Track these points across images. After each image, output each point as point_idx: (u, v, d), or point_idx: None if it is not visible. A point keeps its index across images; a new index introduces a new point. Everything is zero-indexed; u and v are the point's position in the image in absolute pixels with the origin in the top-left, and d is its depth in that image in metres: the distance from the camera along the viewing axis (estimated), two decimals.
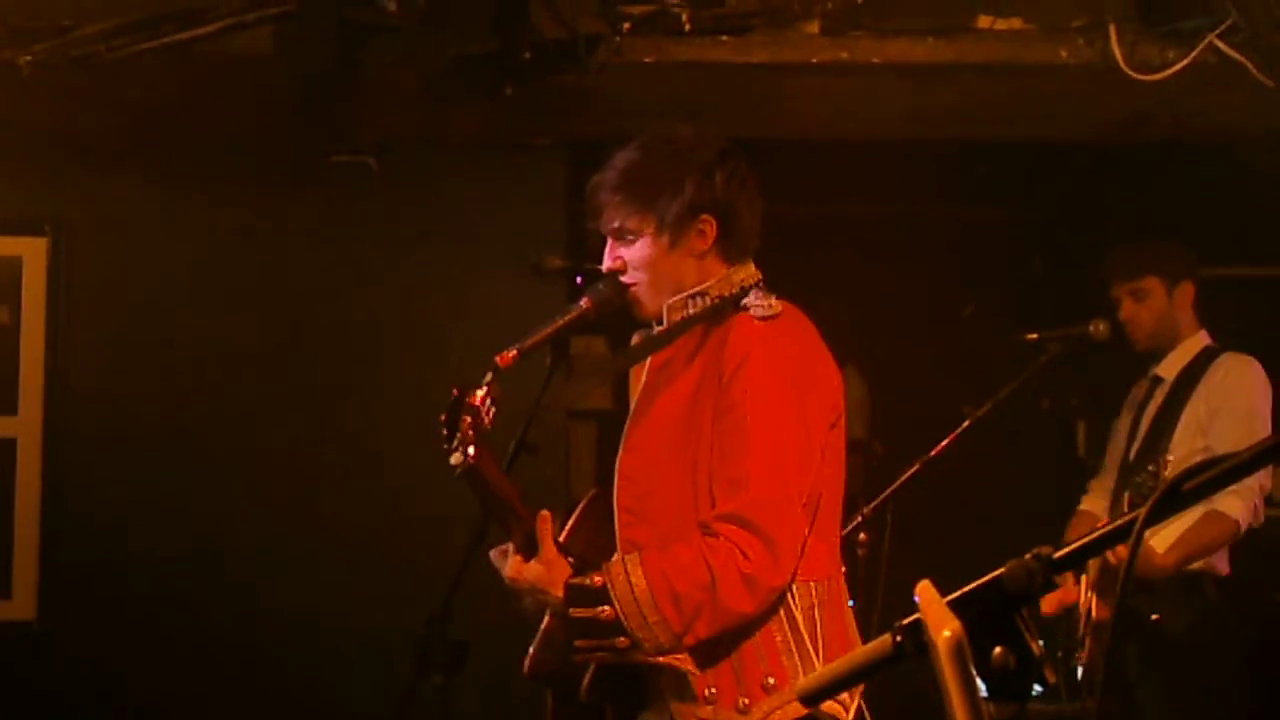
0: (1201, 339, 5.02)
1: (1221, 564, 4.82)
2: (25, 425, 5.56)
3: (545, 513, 2.98)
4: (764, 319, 3.04)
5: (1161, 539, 4.65)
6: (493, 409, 2.96)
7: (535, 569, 2.96)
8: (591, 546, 3.05)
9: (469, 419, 2.93)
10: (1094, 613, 4.80)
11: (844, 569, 3.20)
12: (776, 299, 3.09)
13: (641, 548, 2.97)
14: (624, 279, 3.14)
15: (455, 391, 2.99)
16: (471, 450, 2.90)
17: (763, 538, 2.87)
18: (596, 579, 2.92)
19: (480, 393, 2.96)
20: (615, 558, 2.97)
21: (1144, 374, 5.12)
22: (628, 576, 2.90)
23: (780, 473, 2.94)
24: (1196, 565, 4.74)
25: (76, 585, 5.47)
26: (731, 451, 2.95)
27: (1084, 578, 4.88)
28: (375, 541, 5.49)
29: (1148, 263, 5.02)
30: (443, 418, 2.99)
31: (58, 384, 5.55)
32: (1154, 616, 4.72)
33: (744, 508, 2.89)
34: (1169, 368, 5.00)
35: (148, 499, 5.50)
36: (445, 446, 2.96)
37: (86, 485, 5.50)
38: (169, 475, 5.52)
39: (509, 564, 3.01)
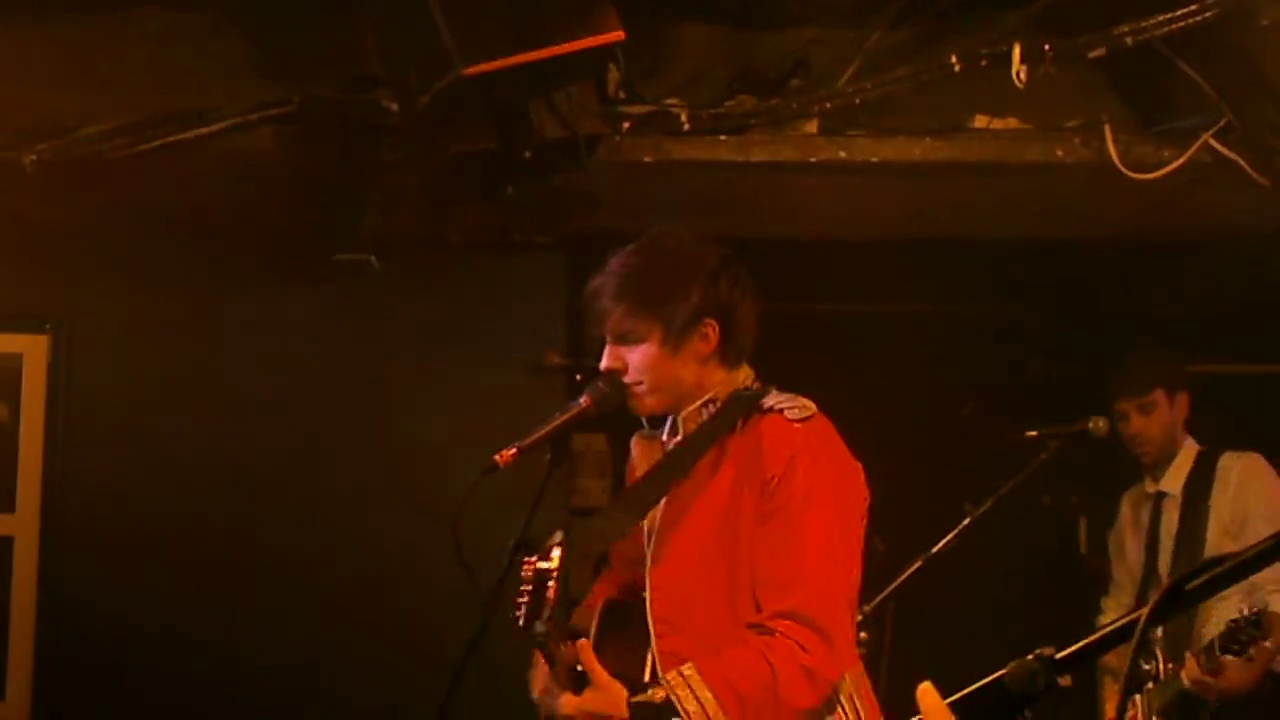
0: (1191, 446, 4.99)
1: None
2: (22, 523, 5.54)
3: (584, 641, 2.98)
4: (802, 420, 3.06)
5: None
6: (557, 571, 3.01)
7: (593, 698, 2.93)
8: (621, 660, 3.03)
9: (554, 586, 2.97)
10: None
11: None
12: (806, 399, 3.12)
13: (691, 658, 2.94)
14: (625, 379, 3.14)
15: (532, 563, 3.03)
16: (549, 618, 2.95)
17: (820, 632, 2.91)
18: (658, 693, 2.89)
19: (556, 556, 3.00)
20: (671, 671, 2.93)
21: (1142, 492, 5.08)
22: (689, 685, 2.87)
23: (832, 569, 2.99)
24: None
25: (72, 686, 5.42)
26: (783, 551, 2.97)
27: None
28: (375, 643, 5.44)
29: (1155, 377, 4.98)
30: (526, 591, 3.03)
31: (56, 482, 5.54)
32: None
33: (801, 604, 2.92)
34: (1172, 482, 4.95)
35: (145, 599, 5.45)
36: (515, 614, 3.02)
37: (83, 584, 5.46)
38: (167, 575, 5.48)
39: (561, 702, 2.97)
